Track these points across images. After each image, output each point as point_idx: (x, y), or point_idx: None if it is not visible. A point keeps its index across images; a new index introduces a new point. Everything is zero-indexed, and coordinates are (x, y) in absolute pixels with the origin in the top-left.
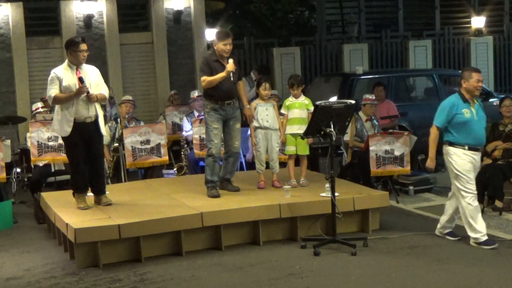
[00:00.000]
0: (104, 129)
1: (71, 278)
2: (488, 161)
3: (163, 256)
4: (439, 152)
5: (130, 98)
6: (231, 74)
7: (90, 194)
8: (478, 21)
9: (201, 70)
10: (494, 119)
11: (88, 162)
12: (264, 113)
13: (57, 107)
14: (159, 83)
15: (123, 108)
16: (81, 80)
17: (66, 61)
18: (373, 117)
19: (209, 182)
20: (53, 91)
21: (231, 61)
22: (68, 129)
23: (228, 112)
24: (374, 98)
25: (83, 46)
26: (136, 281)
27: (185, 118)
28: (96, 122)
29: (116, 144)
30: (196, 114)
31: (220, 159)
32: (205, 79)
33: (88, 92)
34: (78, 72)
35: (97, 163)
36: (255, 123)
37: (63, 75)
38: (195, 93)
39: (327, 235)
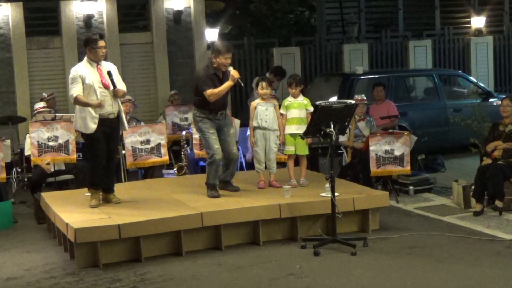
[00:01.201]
0: (126, 123)
1: (71, 278)
2: (488, 161)
3: (163, 256)
4: (439, 152)
5: (130, 98)
6: (239, 81)
7: (88, 194)
8: (478, 21)
9: (204, 84)
10: (494, 119)
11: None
12: (263, 113)
13: None
14: (159, 83)
15: (123, 108)
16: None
17: (86, 58)
18: (367, 116)
19: (210, 184)
20: (75, 90)
21: (231, 68)
22: (93, 126)
23: (221, 122)
24: (364, 98)
25: (102, 43)
26: (136, 281)
27: None
28: (118, 117)
29: None
30: None
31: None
32: (212, 91)
33: (115, 87)
34: (99, 69)
35: (112, 159)
36: (254, 123)
37: (84, 72)
38: None
39: (327, 235)
